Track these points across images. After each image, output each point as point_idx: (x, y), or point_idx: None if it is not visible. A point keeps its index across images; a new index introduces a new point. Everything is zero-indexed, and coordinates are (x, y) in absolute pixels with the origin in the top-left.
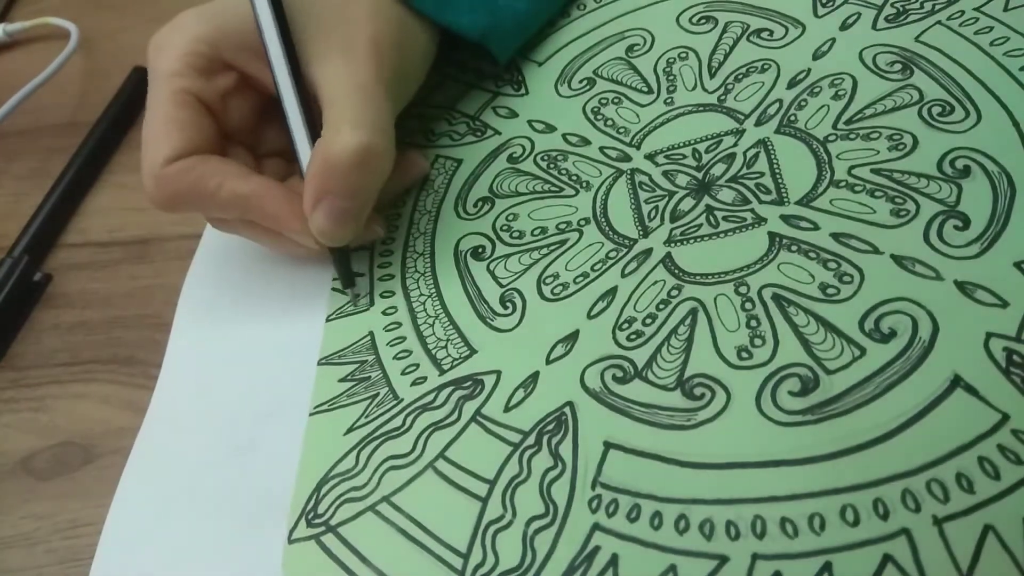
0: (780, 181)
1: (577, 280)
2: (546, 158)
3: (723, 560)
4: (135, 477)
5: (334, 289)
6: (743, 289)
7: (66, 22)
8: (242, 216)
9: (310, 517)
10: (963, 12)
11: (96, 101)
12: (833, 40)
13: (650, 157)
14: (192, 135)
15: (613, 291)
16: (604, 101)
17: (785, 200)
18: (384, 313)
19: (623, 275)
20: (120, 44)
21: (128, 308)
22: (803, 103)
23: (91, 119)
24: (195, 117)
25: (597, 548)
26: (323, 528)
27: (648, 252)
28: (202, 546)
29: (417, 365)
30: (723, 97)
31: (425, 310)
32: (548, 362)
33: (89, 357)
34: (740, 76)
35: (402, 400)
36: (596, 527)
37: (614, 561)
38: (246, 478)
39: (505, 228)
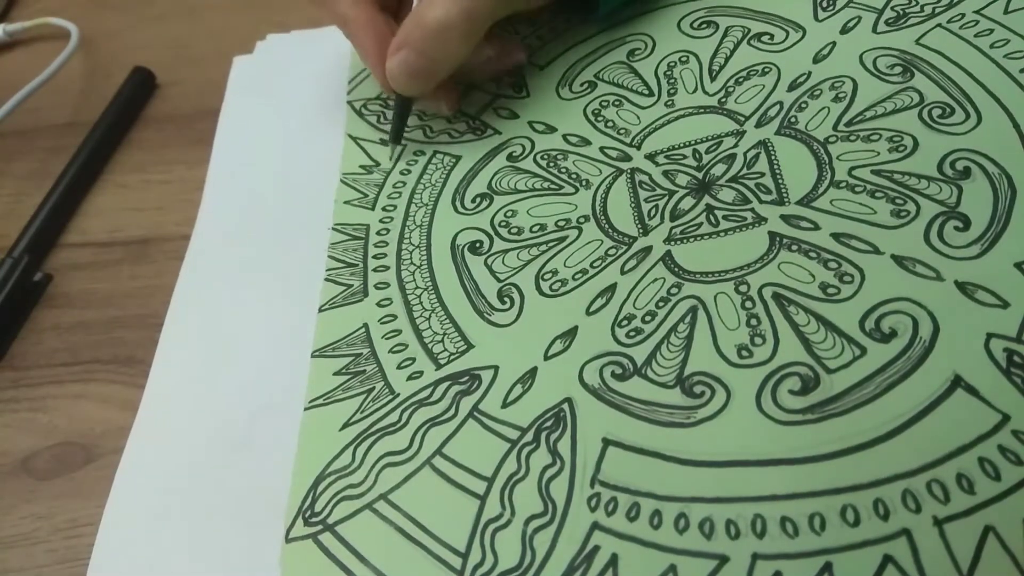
0: (780, 181)
1: (576, 276)
2: (546, 157)
3: (723, 560)
4: (129, 477)
5: (327, 280)
6: (743, 288)
7: (66, 22)
8: (343, 34)
9: (307, 515)
10: (963, 15)
11: (96, 101)
12: (833, 43)
13: (650, 157)
14: None
15: (612, 288)
16: (605, 103)
17: (785, 200)
18: (379, 305)
19: (622, 272)
20: (120, 44)
21: (128, 308)
22: (803, 105)
23: (91, 119)
24: None
25: (596, 548)
26: (320, 527)
27: (648, 250)
28: (199, 546)
29: (413, 359)
30: (724, 99)
31: (421, 303)
32: (546, 358)
33: (89, 357)
34: (741, 79)
35: (398, 395)
36: (595, 526)
37: (614, 561)
38: (242, 475)
39: (503, 224)
